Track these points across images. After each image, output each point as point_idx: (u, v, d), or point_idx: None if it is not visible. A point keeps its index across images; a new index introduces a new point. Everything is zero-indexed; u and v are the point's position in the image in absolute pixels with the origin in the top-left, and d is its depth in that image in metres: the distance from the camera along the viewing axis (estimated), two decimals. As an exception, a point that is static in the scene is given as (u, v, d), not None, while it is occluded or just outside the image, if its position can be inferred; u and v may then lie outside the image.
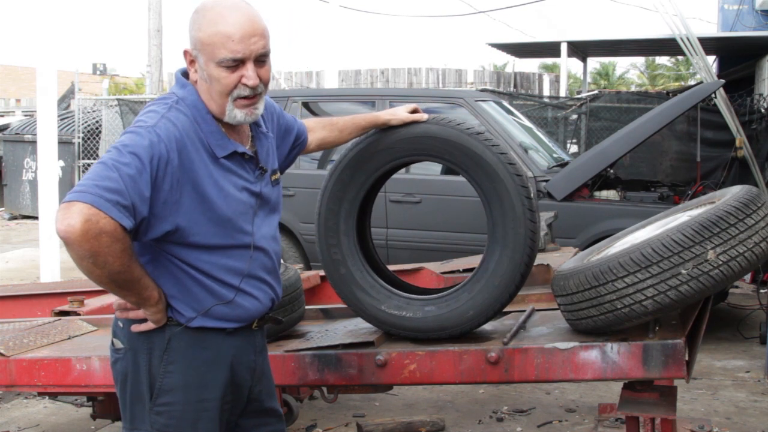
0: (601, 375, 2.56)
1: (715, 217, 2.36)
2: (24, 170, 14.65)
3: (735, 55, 13.78)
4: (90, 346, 3.22)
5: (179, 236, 2.00)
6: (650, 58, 32.45)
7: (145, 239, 1.98)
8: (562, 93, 14.00)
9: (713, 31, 16.01)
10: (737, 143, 9.20)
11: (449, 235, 6.21)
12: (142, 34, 11.41)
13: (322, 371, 2.81)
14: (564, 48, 13.29)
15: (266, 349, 2.32)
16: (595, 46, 14.59)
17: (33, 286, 5.33)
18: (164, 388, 2.06)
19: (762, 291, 6.51)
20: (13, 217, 14.93)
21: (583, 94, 12.63)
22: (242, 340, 2.16)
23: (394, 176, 3.06)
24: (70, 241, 1.82)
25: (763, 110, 10.17)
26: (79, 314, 3.74)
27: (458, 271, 4.23)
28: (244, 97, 2.02)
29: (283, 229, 6.60)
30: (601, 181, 6.30)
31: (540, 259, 3.75)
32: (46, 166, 7.24)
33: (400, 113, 2.73)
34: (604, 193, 6.18)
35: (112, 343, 2.15)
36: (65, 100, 16.94)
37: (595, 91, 13.44)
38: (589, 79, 20.75)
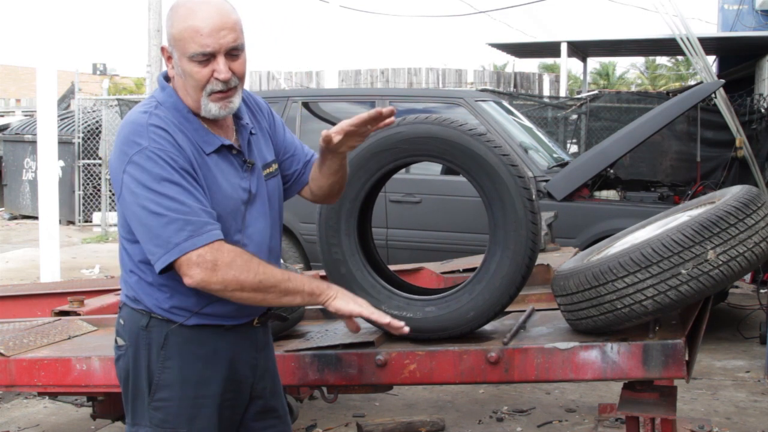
0: (601, 375, 2.56)
1: (715, 217, 2.36)
2: (24, 170, 14.65)
3: (735, 55, 13.79)
4: (90, 346, 3.22)
5: None
6: (650, 58, 32.46)
7: None
8: (562, 93, 14.01)
9: (713, 31, 16.02)
10: (737, 143, 9.20)
11: (449, 235, 6.21)
12: (142, 34, 11.39)
13: (322, 371, 2.81)
14: (564, 48, 13.30)
15: (271, 347, 2.32)
16: (595, 46, 14.60)
17: (33, 286, 5.34)
18: (162, 383, 2.07)
19: (762, 291, 6.52)
20: (13, 217, 14.93)
21: (583, 94, 12.65)
22: (242, 336, 2.16)
23: (394, 176, 3.06)
24: (207, 289, 1.96)
25: (763, 110, 10.18)
26: (79, 314, 3.74)
27: (458, 271, 4.23)
28: (218, 91, 2.03)
29: (284, 229, 6.59)
30: (601, 181, 6.31)
31: (540, 259, 3.73)
32: (46, 166, 7.25)
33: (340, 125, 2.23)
34: (604, 193, 6.18)
35: (115, 341, 2.17)
36: (65, 100, 16.94)
37: (595, 91, 13.45)
38: (589, 79, 20.76)
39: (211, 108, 2.04)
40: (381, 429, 4.13)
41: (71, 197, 13.46)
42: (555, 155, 6.89)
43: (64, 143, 12.47)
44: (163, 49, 2.08)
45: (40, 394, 3.91)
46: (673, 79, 32.35)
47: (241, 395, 2.19)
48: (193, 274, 1.92)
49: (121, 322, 2.15)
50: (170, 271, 1.96)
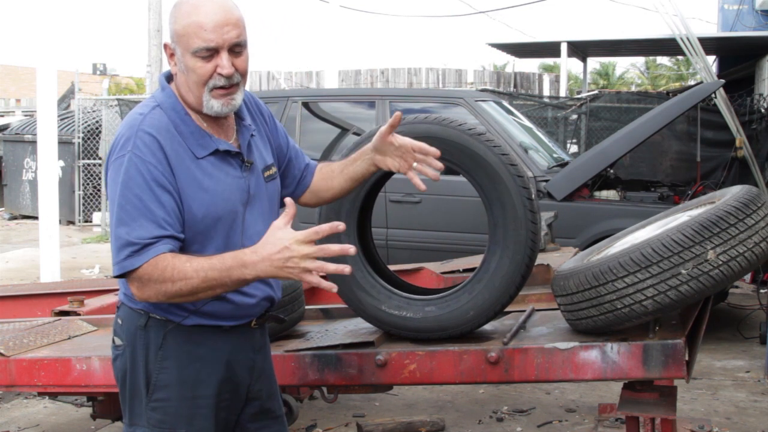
0: (601, 375, 2.56)
1: (715, 217, 2.36)
2: (24, 170, 14.66)
3: (735, 55, 13.80)
4: (90, 346, 3.22)
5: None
6: (650, 58, 32.46)
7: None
8: (562, 93, 14.02)
9: (713, 31, 16.03)
10: (737, 143, 9.20)
11: (449, 235, 6.21)
12: (142, 34, 11.40)
13: (322, 371, 2.81)
14: (564, 48, 13.31)
15: (268, 348, 2.31)
16: (595, 46, 14.61)
17: (33, 286, 5.34)
18: (159, 383, 2.07)
19: (762, 291, 6.51)
20: (13, 217, 14.93)
21: (583, 94, 12.65)
22: (239, 337, 2.16)
23: (394, 176, 3.06)
24: (151, 302, 2.00)
25: (763, 110, 10.18)
26: (79, 314, 3.74)
27: (458, 271, 4.23)
28: (220, 87, 2.03)
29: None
30: (601, 181, 6.31)
31: (540, 259, 3.74)
32: (46, 166, 7.24)
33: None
34: (604, 193, 6.18)
35: (113, 341, 2.17)
36: (65, 100, 16.94)
37: (595, 91, 13.46)
38: (589, 79, 20.76)
39: (213, 104, 2.04)
40: (381, 429, 4.13)
41: (71, 197, 13.47)
42: (555, 155, 6.89)
43: (64, 143, 12.48)
44: (165, 46, 2.09)
45: (40, 394, 3.91)
46: (673, 79, 32.36)
47: (238, 397, 2.18)
48: (133, 290, 1.98)
49: (119, 321, 2.14)
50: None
